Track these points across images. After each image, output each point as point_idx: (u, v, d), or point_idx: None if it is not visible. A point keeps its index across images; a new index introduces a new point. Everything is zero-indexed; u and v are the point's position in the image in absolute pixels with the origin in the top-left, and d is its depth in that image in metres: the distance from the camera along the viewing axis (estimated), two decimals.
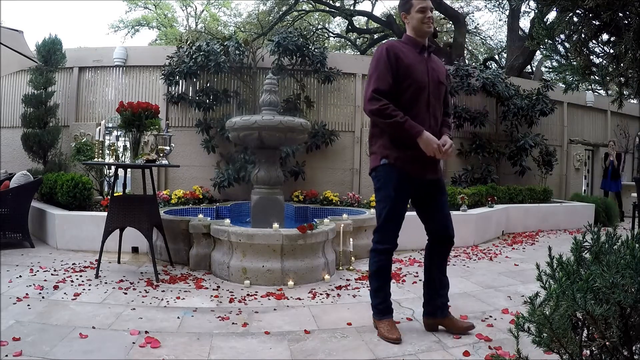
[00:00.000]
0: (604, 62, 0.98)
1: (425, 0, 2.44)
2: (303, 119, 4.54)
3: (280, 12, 14.76)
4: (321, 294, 3.33)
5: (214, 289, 3.40)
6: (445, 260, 2.61)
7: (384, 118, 2.34)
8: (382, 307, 2.57)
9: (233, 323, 2.68)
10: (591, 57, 0.99)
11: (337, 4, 14.90)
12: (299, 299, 3.21)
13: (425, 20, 2.44)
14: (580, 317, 1.06)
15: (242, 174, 6.17)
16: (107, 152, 3.87)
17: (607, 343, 1.01)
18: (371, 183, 7.26)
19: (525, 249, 5.48)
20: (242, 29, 17.47)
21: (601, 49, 0.99)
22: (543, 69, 13.33)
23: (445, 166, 7.62)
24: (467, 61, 12.99)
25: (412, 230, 5.22)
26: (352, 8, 15.14)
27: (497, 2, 15.10)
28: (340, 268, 4.12)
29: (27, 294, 3.07)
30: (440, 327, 2.58)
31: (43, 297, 3.02)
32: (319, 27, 18.00)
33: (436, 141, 2.33)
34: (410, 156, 2.40)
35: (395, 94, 2.38)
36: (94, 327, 2.51)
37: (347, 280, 3.76)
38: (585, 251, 1.12)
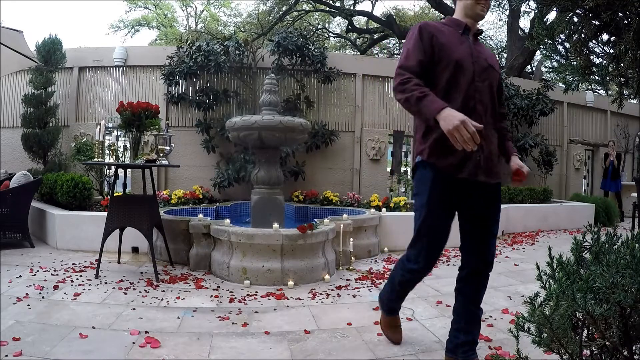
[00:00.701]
0: (604, 62, 0.98)
1: None
2: (303, 119, 4.54)
3: (280, 12, 14.76)
4: (321, 294, 3.32)
5: (214, 289, 3.40)
6: (479, 292, 2.09)
7: (402, 93, 1.86)
8: (390, 306, 2.40)
9: (233, 323, 2.68)
10: (591, 57, 0.99)
11: (337, 4, 14.90)
12: (299, 299, 3.21)
13: (482, 1, 2.01)
14: (580, 317, 1.06)
15: (242, 174, 6.17)
16: (107, 152, 3.87)
17: (607, 343, 1.01)
18: (371, 183, 7.20)
19: (525, 249, 5.48)
20: (242, 29, 17.47)
21: (601, 49, 0.99)
22: (543, 69, 13.33)
23: None
24: None
25: (412, 231, 5.24)
26: (352, 8, 15.16)
27: (497, 2, 15.10)
28: (340, 268, 4.12)
29: (27, 294, 3.07)
30: None
31: (43, 297, 3.02)
32: (319, 27, 18.01)
33: (462, 117, 1.66)
34: (446, 148, 1.87)
35: (432, 77, 1.96)
36: (94, 327, 2.51)
37: (347, 280, 3.76)
38: (585, 251, 1.12)
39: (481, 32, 2.15)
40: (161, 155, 3.90)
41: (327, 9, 15.21)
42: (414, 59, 1.93)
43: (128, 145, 4.06)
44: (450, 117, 1.67)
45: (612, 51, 0.96)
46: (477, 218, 2.04)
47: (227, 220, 3.96)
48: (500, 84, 2.14)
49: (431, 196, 1.96)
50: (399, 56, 2.03)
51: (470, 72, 1.96)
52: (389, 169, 7.57)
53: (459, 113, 1.70)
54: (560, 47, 0.99)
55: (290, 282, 3.50)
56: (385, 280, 3.74)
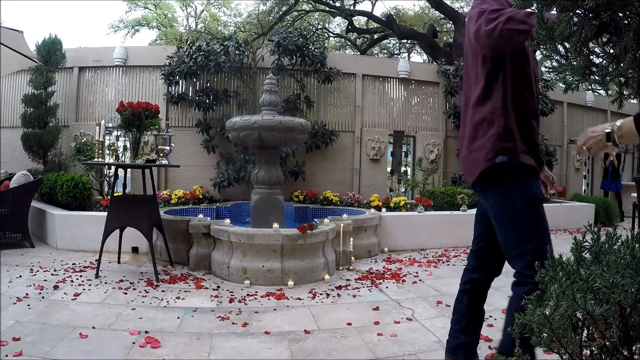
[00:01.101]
0: (604, 62, 0.98)
1: None
2: (303, 119, 4.54)
3: (280, 12, 14.75)
4: (321, 294, 3.33)
5: (214, 289, 3.40)
6: (486, 294, 2.09)
7: (497, 18, 1.52)
8: None
9: (233, 323, 2.68)
10: (591, 57, 0.99)
11: (337, 4, 14.89)
12: (299, 299, 3.21)
13: None
14: (580, 317, 1.06)
15: (242, 174, 6.17)
16: (107, 152, 3.87)
17: (607, 343, 1.01)
18: (371, 182, 7.15)
19: None
20: (242, 29, 17.47)
21: (601, 49, 0.99)
22: (543, 69, 13.32)
23: (445, 166, 7.63)
24: None
25: (412, 231, 5.25)
26: (352, 8, 15.14)
27: None
28: (340, 268, 4.12)
29: (27, 294, 3.07)
30: None
31: (43, 297, 3.02)
32: (319, 27, 17.99)
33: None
34: (531, 147, 1.75)
35: (499, 62, 1.71)
36: (94, 327, 2.51)
37: (347, 280, 3.76)
38: (585, 251, 1.12)
39: None
40: (161, 155, 3.89)
41: (327, 9, 15.19)
42: (506, 5, 1.62)
43: (128, 145, 4.06)
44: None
45: (612, 51, 0.96)
46: None
47: (227, 220, 3.96)
48: None
49: (537, 194, 1.73)
50: (480, 11, 1.62)
51: (531, 65, 1.78)
52: (389, 169, 7.57)
53: None
54: (560, 47, 0.99)
55: (290, 282, 3.50)
56: (384, 280, 3.75)
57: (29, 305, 2.84)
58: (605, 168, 9.23)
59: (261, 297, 3.23)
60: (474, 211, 6.43)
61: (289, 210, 5.73)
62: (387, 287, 3.55)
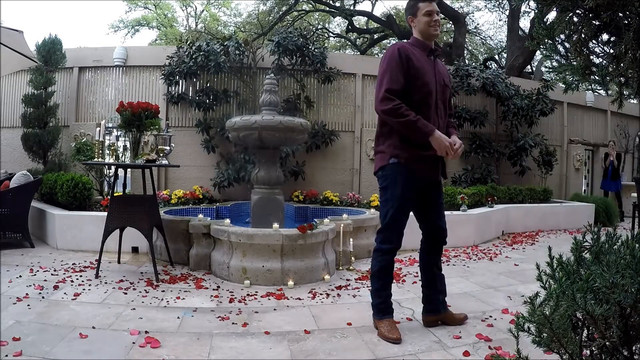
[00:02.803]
0: (604, 62, 0.98)
1: (431, 3, 2.46)
2: (303, 119, 4.54)
3: (280, 12, 14.75)
4: (321, 294, 3.33)
5: (214, 289, 3.40)
6: (440, 257, 2.74)
7: (396, 117, 2.34)
8: (382, 306, 2.58)
9: (233, 323, 2.68)
10: (591, 57, 0.99)
11: (337, 4, 14.89)
12: (299, 299, 3.21)
13: (432, 24, 2.47)
14: (580, 317, 1.06)
15: (242, 174, 6.17)
16: (107, 152, 3.87)
17: (607, 343, 1.01)
18: (371, 183, 7.26)
19: (525, 249, 5.48)
20: (242, 29, 17.47)
21: (601, 49, 0.99)
22: (543, 69, 13.34)
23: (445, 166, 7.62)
24: (467, 61, 12.99)
25: (413, 231, 5.24)
26: (352, 8, 15.14)
27: (497, 2, 15.10)
28: (340, 268, 4.12)
29: (27, 294, 3.07)
30: (440, 322, 2.69)
31: (43, 297, 3.02)
32: (319, 27, 17.99)
33: (447, 139, 2.39)
34: (420, 156, 2.44)
35: (405, 95, 2.39)
36: (94, 327, 2.51)
37: (347, 280, 3.76)
38: (585, 251, 1.12)
39: (439, 52, 2.69)
40: (161, 155, 3.89)
41: (327, 9, 15.20)
42: (398, 82, 2.36)
43: (128, 145, 4.06)
44: (440, 140, 2.36)
45: (612, 51, 0.96)
46: (433, 203, 2.63)
47: (227, 220, 3.96)
48: (450, 96, 2.73)
49: (403, 191, 2.46)
50: (382, 75, 2.41)
51: (434, 93, 2.46)
52: None
53: (444, 136, 2.39)
54: (560, 47, 0.99)
55: (290, 282, 3.50)
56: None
57: (29, 305, 2.84)
58: (605, 168, 9.23)
59: (261, 297, 3.23)
60: (473, 211, 6.45)
61: (289, 210, 5.73)
62: None
